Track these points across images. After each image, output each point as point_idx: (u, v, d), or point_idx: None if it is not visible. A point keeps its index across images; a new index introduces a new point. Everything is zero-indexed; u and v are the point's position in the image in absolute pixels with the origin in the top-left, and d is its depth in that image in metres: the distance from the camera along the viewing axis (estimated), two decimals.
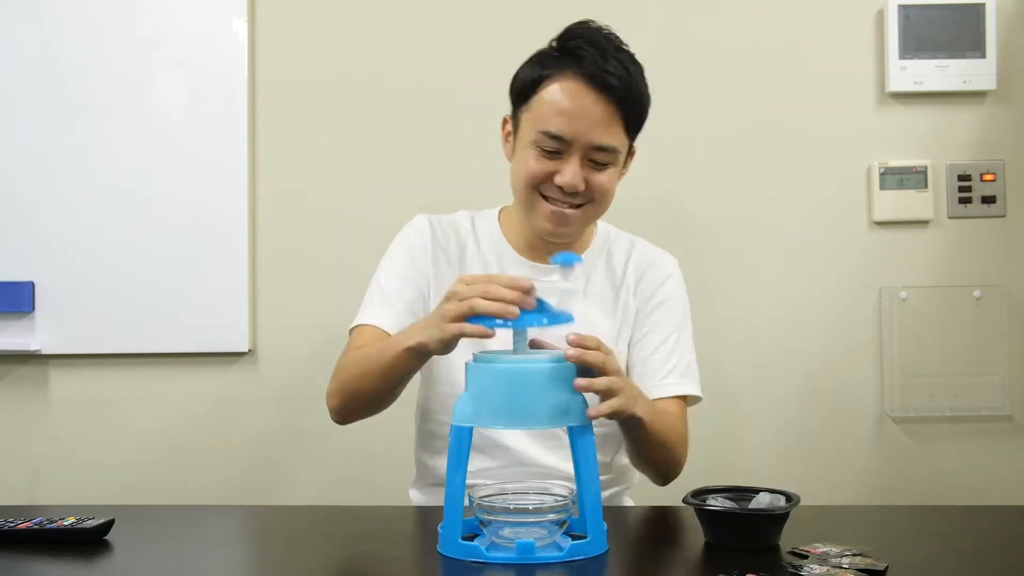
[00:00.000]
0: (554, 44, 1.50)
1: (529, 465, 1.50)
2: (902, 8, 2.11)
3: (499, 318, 1.16)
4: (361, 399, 1.44)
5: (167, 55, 2.16)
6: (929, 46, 2.11)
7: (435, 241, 1.59)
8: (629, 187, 2.12)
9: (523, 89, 1.49)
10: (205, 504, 1.95)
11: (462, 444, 1.14)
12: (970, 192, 2.14)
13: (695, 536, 1.22)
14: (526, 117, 1.48)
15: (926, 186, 2.13)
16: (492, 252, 1.59)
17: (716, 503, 1.21)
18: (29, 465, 2.17)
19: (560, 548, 1.13)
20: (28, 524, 1.24)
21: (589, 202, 1.48)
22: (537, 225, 1.51)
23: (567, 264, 1.19)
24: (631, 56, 1.48)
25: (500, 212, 1.64)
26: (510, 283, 1.18)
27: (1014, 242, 2.14)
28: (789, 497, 1.21)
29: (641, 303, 1.58)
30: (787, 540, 1.18)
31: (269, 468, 2.17)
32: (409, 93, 2.17)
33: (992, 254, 2.14)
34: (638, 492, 1.69)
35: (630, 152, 1.54)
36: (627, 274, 1.59)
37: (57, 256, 2.15)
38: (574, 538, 1.15)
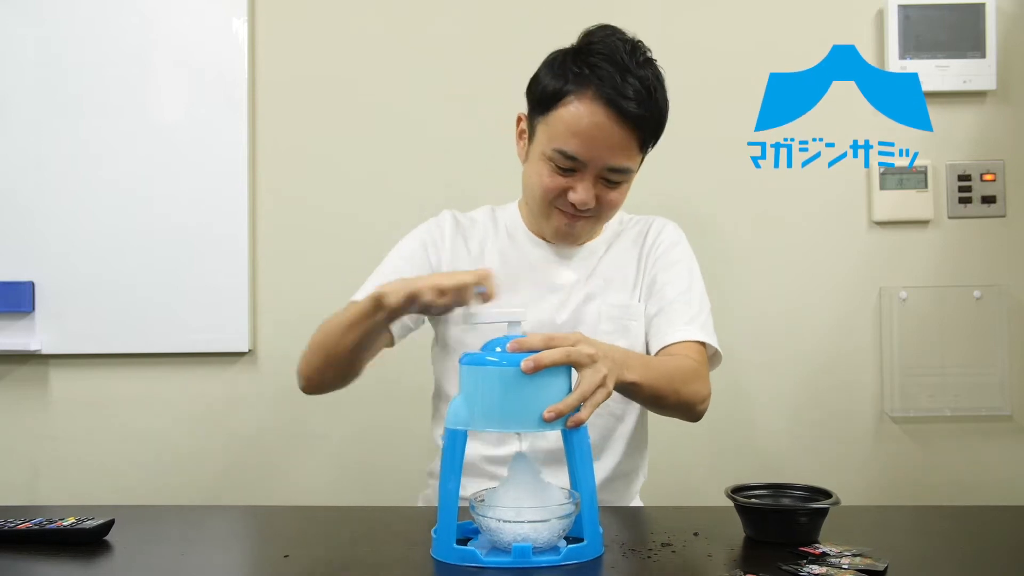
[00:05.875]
0: (574, 55, 1.44)
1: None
2: (902, 8, 2.11)
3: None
4: (323, 356, 1.42)
5: (167, 55, 2.17)
6: (929, 46, 2.11)
7: (456, 235, 1.59)
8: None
9: (541, 99, 1.46)
10: (205, 504, 1.95)
11: (456, 447, 1.13)
12: (970, 192, 2.14)
13: (690, 537, 1.22)
14: (542, 128, 1.47)
15: (926, 186, 2.13)
16: (511, 240, 1.59)
17: (756, 500, 1.23)
18: (29, 465, 2.17)
19: (557, 551, 1.12)
20: (28, 524, 1.24)
21: (599, 214, 1.50)
22: (547, 231, 1.55)
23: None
24: (654, 70, 1.44)
25: (519, 201, 1.65)
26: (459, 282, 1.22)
27: (1014, 242, 2.14)
28: (828, 494, 1.23)
29: (656, 261, 1.58)
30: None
31: (269, 468, 2.17)
32: (409, 94, 2.17)
33: (992, 254, 2.14)
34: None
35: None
36: (645, 243, 1.60)
37: (57, 256, 2.15)
38: (569, 541, 1.14)
